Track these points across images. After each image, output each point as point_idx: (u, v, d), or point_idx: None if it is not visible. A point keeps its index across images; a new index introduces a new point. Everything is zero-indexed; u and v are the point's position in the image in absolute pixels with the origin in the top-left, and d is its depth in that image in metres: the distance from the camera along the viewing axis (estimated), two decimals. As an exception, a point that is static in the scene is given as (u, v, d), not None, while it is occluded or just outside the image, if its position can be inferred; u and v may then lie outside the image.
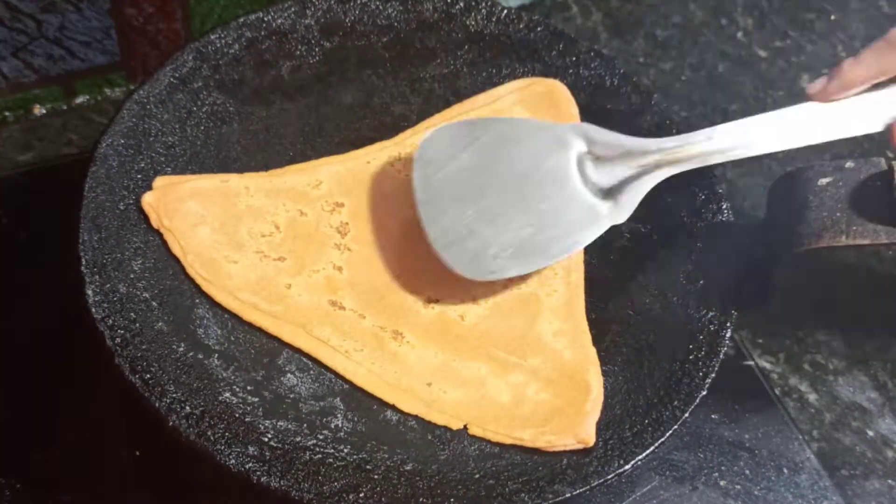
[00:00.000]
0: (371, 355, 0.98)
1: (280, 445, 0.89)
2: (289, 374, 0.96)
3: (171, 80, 1.04)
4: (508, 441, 0.95)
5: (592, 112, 1.13)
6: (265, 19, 1.10)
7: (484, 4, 1.15)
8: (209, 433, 0.87)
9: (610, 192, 1.02)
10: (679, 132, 1.08)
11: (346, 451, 0.91)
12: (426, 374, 0.98)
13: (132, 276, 0.94)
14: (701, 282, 1.04)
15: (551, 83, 1.12)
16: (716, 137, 1.01)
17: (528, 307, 1.03)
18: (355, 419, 0.94)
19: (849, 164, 0.95)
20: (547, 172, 1.03)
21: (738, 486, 1.09)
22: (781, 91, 1.46)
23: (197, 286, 0.98)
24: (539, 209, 1.01)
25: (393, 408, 0.97)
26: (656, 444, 0.92)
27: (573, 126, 1.05)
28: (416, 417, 0.96)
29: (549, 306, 1.03)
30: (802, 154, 1.07)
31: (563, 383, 0.98)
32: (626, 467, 0.91)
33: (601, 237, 1.04)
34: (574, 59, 1.14)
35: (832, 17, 1.58)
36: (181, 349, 0.93)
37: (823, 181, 0.95)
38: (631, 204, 1.01)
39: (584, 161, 1.03)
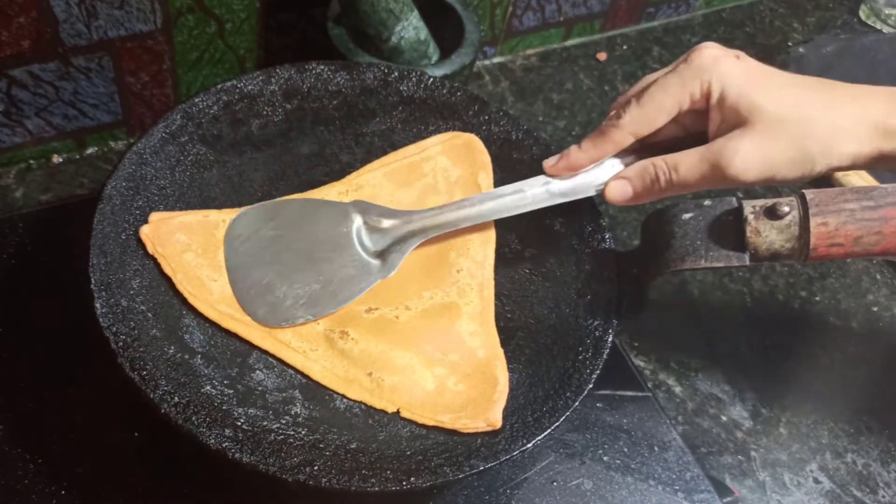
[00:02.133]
0: (324, 354, 0.99)
1: (250, 428, 0.89)
2: (257, 371, 0.96)
3: (163, 134, 1.04)
4: (432, 423, 0.95)
5: (502, 160, 1.13)
6: (238, 85, 1.10)
7: (414, 74, 1.15)
8: (193, 419, 0.87)
9: (381, 254, 1.05)
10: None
11: (303, 433, 0.92)
12: (368, 365, 0.99)
13: (132, 292, 0.95)
14: (588, 296, 1.04)
15: (469, 137, 1.12)
16: (466, 207, 1.05)
17: (450, 312, 1.04)
18: (311, 407, 0.95)
19: (707, 202, 0.96)
20: (331, 240, 1.06)
21: (619, 461, 1.10)
22: (654, 144, 1.47)
23: (184, 300, 0.98)
24: (325, 269, 1.04)
25: (342, 396, 0.97)
26: (552, 427, 0.93)
27: (353, 203, 1.08)
28: (359, 404, 0.97)
29: (466, 313, 1.04)
30: (672, 196, 1.08)
31: (476, 377, 0.99)
32: (528, 446, 0.91)
33: (511, 260, 1.07)
34: (486, 117, 1.14)
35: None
36: (171, 351, 0.93)
37: (686, 216, 0.96)
38: (397, 262, 1.05)
39: (361, 230, 1.06)
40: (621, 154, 1.02)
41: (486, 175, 1.11)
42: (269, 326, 1.01)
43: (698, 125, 1.00)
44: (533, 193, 1.03)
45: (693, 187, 0.98)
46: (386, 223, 1.06)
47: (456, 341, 1.02)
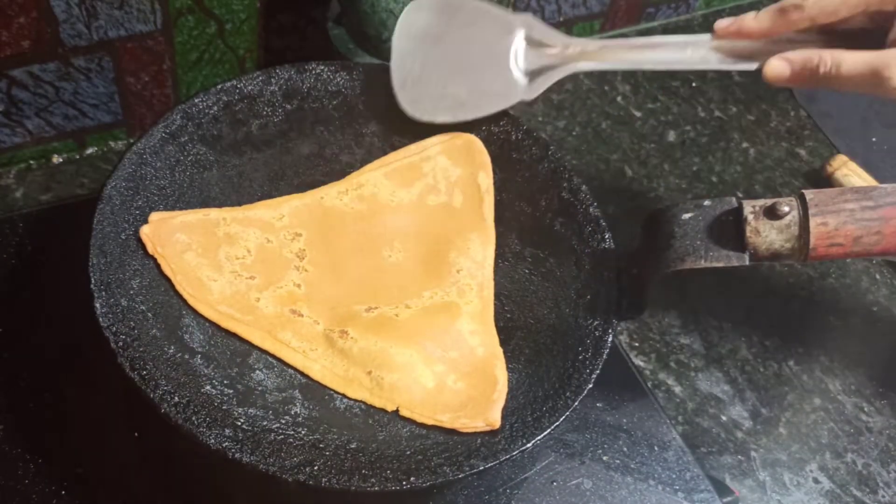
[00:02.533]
0: (323, 353, 0.99)
1: (250, 428, 0.89)
2: (257, 371, 0.96)
3: (163, 135, 1.04)
4: (431, 422, 0.95)
5: (502, 160, 1.13)
6: (238, 86, 1.10)
7: (415, 76, 1.15)
8: (193, 418, 0.87)
9: (530, 74, 1.08)
10: (570, 178, 1.09)
11: (303, 432, 0.91)
12: (367, 363, 0.98)
13: (132, 292, 0.95)
14: (588, 296, 1.04)
15: (468, 137, 1.12)
16: (625, 50, 1.07)
17: (449, 311, 1.03)
18: (311, 407, 0.94)
19: (707, 203, 0.96)
20: (489, 49, 1.09)
21: (618, 461, 1.10)
22: (653, 144, 1.47)
23: (184, 300, 0.98)
24: (475, 77, 1.10)
25: (342, 396, 0.97)
26: (552, 427, 0.93)
27: (522, 16, 1.10)
28: (359, 403, 0.96)
29: (466, 312, 1.03)
30: (669, 196, 1.08)
31: (475, 376, 0.99)
32: (528, 445, 0.91)
33: (511, 260, 1.07)
34: (486, 118, 1.15)
35: (693, 84, 1.58)
36: (171, 351, 0.93)
37: (686, 216, 0.96)
38: (542, 86, 1.08)
39: (520, 45, 1.09)
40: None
41: (486, 175, 1.11)
42: (412, 115, 1.09)
43: (868, 34, 1.00)
44: (694, 52, 1.05)
45: (848, 88, 0.98)
46: (545, 41, 1.09)
47: (456, 339, 1.02)
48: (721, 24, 1.04)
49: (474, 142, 1.12)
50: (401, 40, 1.10)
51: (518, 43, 1.09)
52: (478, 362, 1.00)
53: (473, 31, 1.10)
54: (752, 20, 1.02)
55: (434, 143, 1.13)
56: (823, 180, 1.45)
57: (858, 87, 0.97)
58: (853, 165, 1.43)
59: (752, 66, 1.03)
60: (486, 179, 1.11)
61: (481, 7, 1.12)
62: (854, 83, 0.97)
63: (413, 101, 1.08)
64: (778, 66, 1.00)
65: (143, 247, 0.98)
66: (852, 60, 0.96)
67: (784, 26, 1.01)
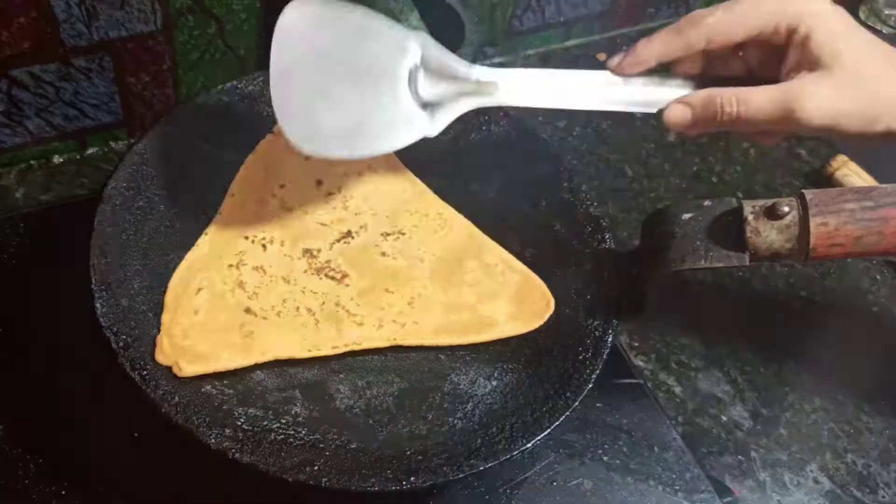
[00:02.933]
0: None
1: (250, 428, 0.89)
2: (257, 371, 0.96)
3: (164, 135, 1.04)
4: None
5: (502, 160, 1.13)
6: (238, 86, 1.10)
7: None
8: (193, 418, 0.87)
9: (428, 106, 0.99)
10: (570, 178, 1.10)
11: (303, 432, 0.92)
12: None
13: (132, 292, 0.95)
14: (588, 296, 1.04)
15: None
16: (526, 83, 1.02)
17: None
18: (311, 407, 0.94)
19: (707, 203, 0.96)
20: (384, 70, 0.97)
21: (618, 461, 1.10)
22: (652, 144, 1.47)
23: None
24: (370, 100, 0.97)
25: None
26: (552, 428, 0.93)
27: (416, 34, 1.00)
28: (359, 404, 0.97)
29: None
30: (670, 195, 1.08)
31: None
32: (528, 445, 0.92)
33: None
34: (487, 118, 1.14)
35: (694, 86, 1.59)
36: (171, 351, 0.93)
37: (686, 216, 0.96)
38: (444, 121, 0.99)
39: (416, 70, 0.98)
40: (685, 80, 1.01)
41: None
42: (304, 151, 0.95)
43: (764, 66, 1.00)
44: (591, 88, 1.01)
45: (758, 125, 0.96)
46: (443, 68, 1.00)
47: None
48: (613, 60, 1.01)
49: None
50: (278, 58, 0.95)
51: (414, 66, 0.98)
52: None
53: (364, 46, 0.98)
54: (646, 44, 0.99)
55: None
56: (824, 180, 1.45)
57: (768, 123, 0.95)
58: (853, 165, 1.43)
59: (652, 110, 1.00)
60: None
61: (371, 18, 1.00)
62: (764, 120, 0.95)
63: (304, 136, 0.94)
64: (679, 111, 0.98)
65: (143, 249, 0.99)
66: (761, 95, 0.95)
67: (680, 46, 0.98)
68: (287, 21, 0.96)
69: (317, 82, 0.96)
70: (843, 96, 0.93)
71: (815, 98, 0.93)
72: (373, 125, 0.97)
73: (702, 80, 1.00)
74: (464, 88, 1.00)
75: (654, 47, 0.99)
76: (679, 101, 0.98)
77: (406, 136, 0.98)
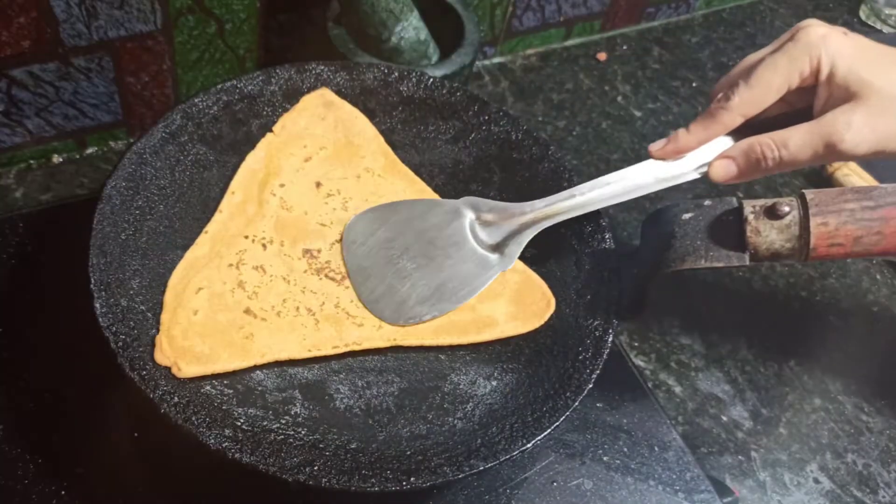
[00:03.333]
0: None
1: (250, 428, 0.89)
2: (257, 371, 0.95)
3: (163, 134, 1.04)
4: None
5: (502, 160, 1.13)
6: (238, 86, 1.10)
7: (414, 74, 1.15)
8: (193, 418, 0.87)
9: (497, 247, 1.05)
10: (570, 177, 1.10)
11: (303, 432, 0.91)
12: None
13: (131, 292, 0.94)
14: (588, 296, 1.04)
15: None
16: (576, 196, 1.04)
17: None
18: (311, 407, 0.94)
19: (707, 202, 0.96)
20: (447, 238, 1.06)
21: (618, 461, 1.10)
22: (654, 144, 1.47)
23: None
24: (444, 266, 1.05)
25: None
26: (552, 428, 0.93)
27: (463, 200, 1.08)
28: (359, 404, 0.96)
29: None
30: (670, 195, 1.08)
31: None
32: (528, 446, 0.91)
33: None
34: (486, 117, 1.14)
35: (694, 84, 1.59)
36: (171, 351, 0.93)
37: (686, 216, 0.96)
38: (515, 253, 1.05)
39: (474, 226, 1.07)
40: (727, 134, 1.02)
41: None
42: (399, 325, 1.02)
43: (803, 101, 1.00)
44: (639, 179, 1.03)
45: (803, 164, 0.97)
46: (498, 217, 1.07)
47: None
48: (656, 146, 1.03)
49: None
50: (352, 260, 1.06)
51: (471, 222, 1.07)
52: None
53: (421, 225, 1.08)
54: (686, 135, 1.02)
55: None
56: (824, 180, 1.45)
57: (811, 160, 0.97)
58: (853, 165, 1.43)
59: (696, 175, 1.03)
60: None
61: (418, 203, 1.11)
62: (806, 158, 0.96)
63: (394, 313, 1.03)
64: (723, 167, 1.00)
65: (142, 249, 0.98)
66: (797, 136, 0.96)
67: (719, 130, 1.01)
68: (350, 232, 1.07)
69: (391, 268, 1.05)
70: (881, 122, 0.93)
71: (853, 127, 0.93)
72: (453, 283, 1.05)
73: (743, 128, 1.01)
74: (522, 222, 1.06)
75: (695, 136, 1.01)
76: (721, 156, 1.00)
77: (485, 278, 1.06)
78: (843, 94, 0.95)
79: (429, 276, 1.04)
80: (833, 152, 0.94)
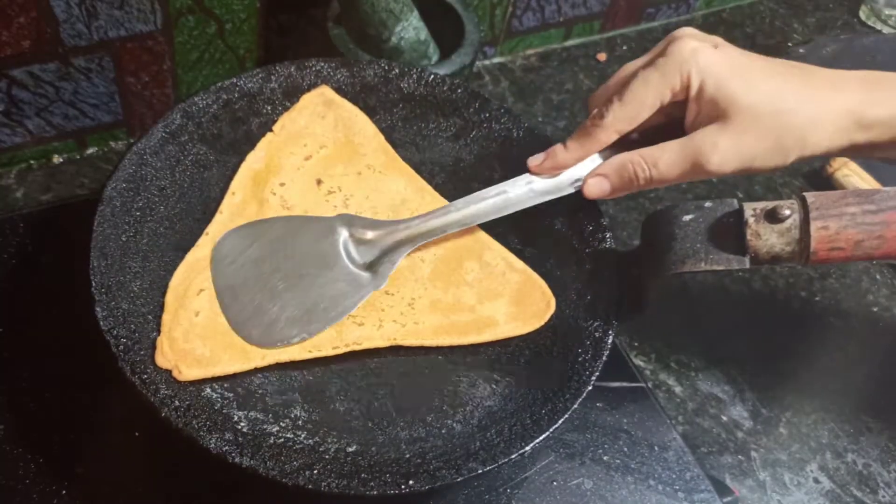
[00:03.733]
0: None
1: (250, 432, 0.89)
2: (257, 374, 0.95)
3: (163, 134, 1.04)
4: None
5: (502, 157, 1.13)
6: (238, 84, 1.09)
7: (415, 71, 1.15)
8: (193, 422, 0.87)
9: (370, 266, 1.04)
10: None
11: (303, 436, 0.91)
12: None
13: (132, 295, 0.94)
14: (588, 297, 1.04)
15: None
16: (452, 212, 1.04)
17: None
18: (311, 410, 0.94)
19: (708, 204, 0.96)
20: (319, 256, 1.04)
21: (619, 461, 1.10)
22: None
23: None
24: (315, 285, 1.02)
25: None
26: (551, 429, 0.93)
27: (338, 217, 1.06)
28: (359, 406, 0.96)
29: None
30: (670, 195, 1.08)
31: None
32: (527, 448, 0.91)
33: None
34: (487, 115, 1.14)
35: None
36: (171, 354, 0.93)
37: (687, 217, 0.96)
38: (387, 272, 1.04)
39: (348, 244, 1.04)
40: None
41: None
42: (265, 348, 0.98)
43: (678, 112, 1.00)
44: (516, 194, 1.04)
45: (672, 181, 0.99)
46: (372, 234, 1.05)
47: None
48: (534, 161, 1.04)
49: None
50: (220, 279, 1.01)
51: (344, 240, 1.04)
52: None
53: (293, 243, 1.05)
54: (564, 151, 1.03)
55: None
56: (824, 180, 1.45)
57: (680, 178, 0.98)
58: (854, 166, 1.43)
59: (572, 190, 1.04)
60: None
61: (292, 220, 1.07)
62: (675, 176, 0.98)
63: (262, 335, 0.98)
64: (596, 184, 1.02)
65: (143, 250, 0.98)
66: (667, 156, 0.97)
67: (594, 147, 1.01)
68: (220, 248, 1.03)
69: (261, 288, 1.01)
70: (745, 142, 0.95)
71: (718, 149, 0.95)
72: (324, 302, 1.01)
73: (619, 143, 1.02)
74: (396, 239, 1.05)
75: (572, 153, 1.03)
76: (594, 173, 1.02)
77: (357, 298, 1.02)
78: (712, 111, 0.96)
79: (299, 296, 1.01)
80: (700, 171, 0.96)
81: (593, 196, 1.02)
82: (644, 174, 0.98)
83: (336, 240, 1.04)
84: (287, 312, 1.00)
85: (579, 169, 1.03)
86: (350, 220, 1.06)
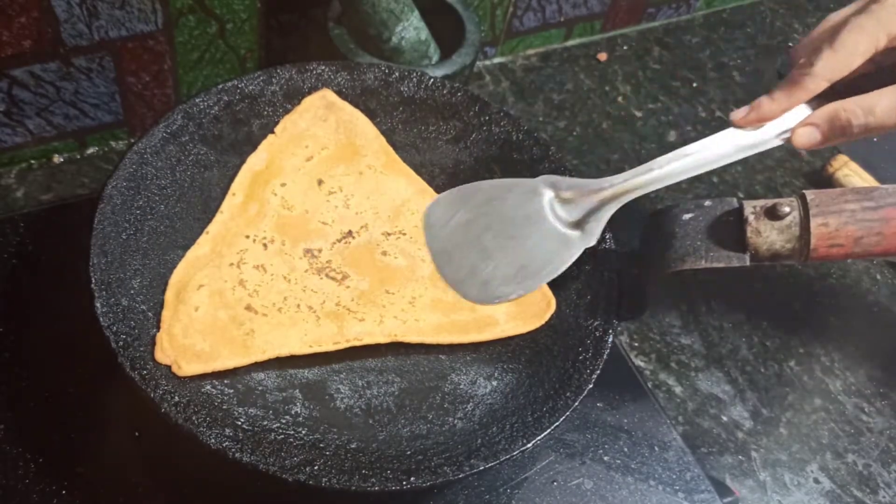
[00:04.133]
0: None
1: (250, 428, 0.89)
2: (258, 370, 0.95)
3: (164, 134, 1.04)
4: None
5: (502, 160, 1.13)
6: (239, 86, 1.10)
7: (415, 74, 1.15)
8: (193, 418, 0.87)
9: (578, 224, 1.03)
10: (571, 177, 1.09)
11: (303, 432, 0.91)
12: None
13: (132, 291, 0.94)
14: (589, 297, 1.04)
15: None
16: (655, 169, 1.01)
17: None
18: (311, 407, 0.94)
19: (707, 203, 0.96)
20: (527, 217, 1.05)
21: (619, 461, 1.10)
22: (653, 144, 1.47)
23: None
24: (525, 245, 1.04)
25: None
26: (552, 428, 0.93)
27: (542, 178, 1.06)
28: (359, 403, 0.96)
29: None
30: (670, 195, 1.08)
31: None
32: (528, 446, 0.91)
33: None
34: (487, 118, 1.14)
35: (694, 85, 1.59)
36: (171, 350, 0.93)
37: (687, 216, 0.96)
38: (597, 230, 1.02)
39: (553, 204, 1.04)
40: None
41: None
42: (484, 304, 1.04)
43: (890, 59, 0.97)
44: (720, 148, 1.00)
45: (890, 128, 0.94)
46: (578, 194, 1.04)
47: None
48: (738, 114, 1.00)
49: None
50: (434, 243, 1.08)
51: (550, 201, 1.05)
52: None
53: (501, 206, 1.07)
54: (770, 102, 0.99)
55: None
56: (824, 180, 1.45)
57: None
58: (854, 165, 1.43)
59: (779, 142, 1.00)
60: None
61: (497, 184, 1.11)
62: (894, 122, 0.93)
63: (480, 293, 1.04)
64: (806, 134, 0.97)
65: (143, 247, 0.98)
66: (885, 101, 0.93)
67: (803, 96, 0.98)
68: (430, 215, 1.10)
69: (474, 249, 1.06)
70: None
71: None
72: (535, 262, 1.04)
73: (825, 94, 0.98)
74: (602, 197, 1.03)
75: (779, 104, 0.99)
76: (804, 123, 0.98)
77: (567, 256, 1.03)
78: None
79: (511, 255, 1.04)
80: None
81: (803, 146, 0.98)
82: (859, 121, 0.94)
83: (542, 201, 1.05)
84: (501, 271, 1.04)
85: (785, 121, 0.99)
86: (555, 182, 1.06)
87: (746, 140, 1.00)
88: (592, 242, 1.02)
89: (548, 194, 1.05)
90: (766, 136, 1.00)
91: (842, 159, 1.44)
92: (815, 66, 0.96)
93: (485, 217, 1.07)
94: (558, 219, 1.04)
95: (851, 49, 0.95)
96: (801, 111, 0.99)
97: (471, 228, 1.07)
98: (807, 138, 0.97)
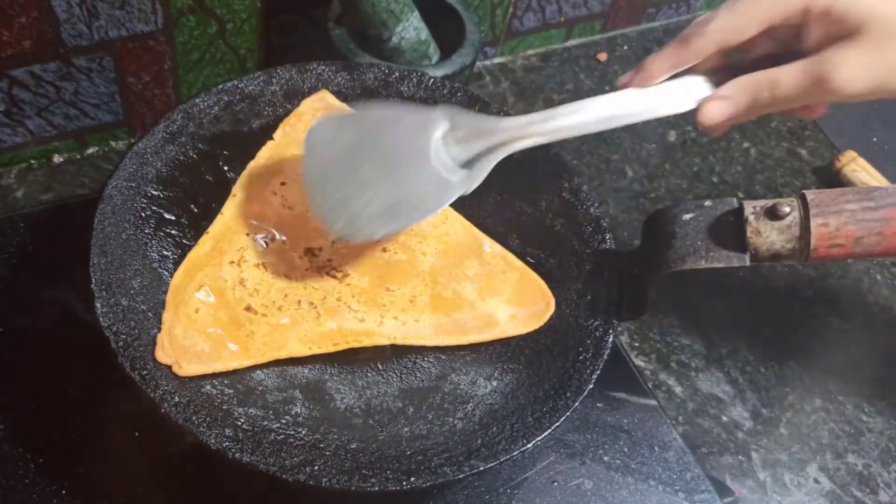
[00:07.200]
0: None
1: (251, 428, 0.89)
2: (258, 370, 0.95)
3: (164, 134, 1.04)
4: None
5: (502, 160, 1.13)
6: (239, 86, 1.10)
7: (415, 74, 1.15)
8: (194, 418, 0.87)
9: (466, 165, 0.98)
10: (571, 178, 1.10)
11: (303, 432, 0.91)
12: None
13: (132, 291, 0.94)
14: (589, 297, 1.04)
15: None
16: (557, 119, 0.99)
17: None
18: (311, 407, 0.94)
19: (708, 203, 0.96)
20: (412, 152, 0.99)
21: (619, 461, 1.10)
22: (654, 144, 1.47)
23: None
24: (402, 183, 0.98)
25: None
26: (552, 428, 0.93)
27: (442, 109, 1.00)
28: (359, 404, 0.96)
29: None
30: (670, 195, 1.08)
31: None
32: (528, 446, 0.91)
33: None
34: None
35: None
36: (171, 350, 0.93)
37: (687, 216, 0.96)
38: (479, 176, 0.98)
39: (445, 140, 0.99)
40: (707, 74, 0.98)
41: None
42: (349, 240, 1.02)
43: (791, 38, 0.95)
44: (630, 104, 0.98)
45: (794, 102, 0.93)
46: (471, 133, 0.99)
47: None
48: (625, 77, 0.99)
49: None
50: (312, 165, 1.00)
51: (439, 137, 0.98)
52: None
53: (389, 134, 1.00)
54: (654, 59, 0.97)
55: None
56: (832, 176, 1.45)
57: (803, 97, 0.92)
58: (862, 161, 1.43)
59: (684, 108, 0.98)
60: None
61: (391, 111, 1.06)
62: (798, 96, 0.92)
63: (345, 227, 0.98)
64: (714, 108, 0.95)
65: (143, 247, 0.98)
66: (788, 73, 0.92)
67: (689, 57, 0.96)
68: (313, 133, 1.02)
69: (350, 178, 0.99)
70: (884, 58, 0.89)
71: (847, 65, 0.89)
72: (410, 199, 0.98)
73: (725, 71, 0.97)
74: (496, 140, 0.99)
75: (663, 61, 0.97)
76: (712, 98, 0.96)
77: (444, 198, 0.98)
78: (839, 30, 0.90)
79: (386, 190, 0.98)
80: (825, 90, 0.90)
81: (713, 120, 0.95)
82: (766, 94, 0.92)
83: (431, 136, 0.99)
84: (371, 207, 0.97)
85: (699, 86, 0.98)
86: (453, 115, 1.00)
87: (645, 103, 0.98)
88: (471, 189, 0.98)
89: (440, 129, 0.99)
90: (677, 100, 0.98)
91: (850, 155, 1.44)
92: (708, 26, 0.94)
93: (369, 147, 1.00)
94: (443, 160, 0.99)
95: (749, 14, 0.93)
96: (701, 90, 0.98)
97: (352, 156, 0.99)
98: (717, 112, 0.95)
